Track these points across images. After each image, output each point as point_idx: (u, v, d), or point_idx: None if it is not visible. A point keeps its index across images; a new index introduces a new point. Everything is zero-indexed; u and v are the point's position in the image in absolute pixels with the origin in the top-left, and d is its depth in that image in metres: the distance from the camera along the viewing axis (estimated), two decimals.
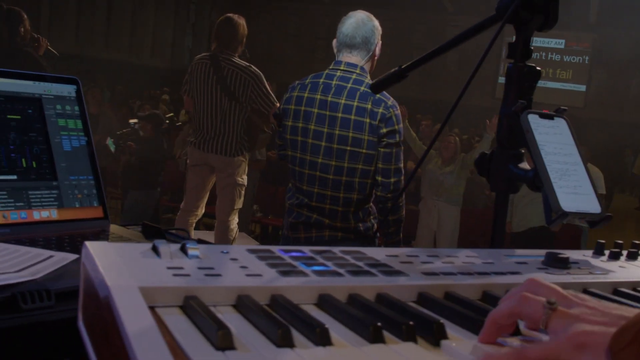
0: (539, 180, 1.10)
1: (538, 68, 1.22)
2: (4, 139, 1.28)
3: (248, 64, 5.22)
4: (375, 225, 3.20)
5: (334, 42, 3.21)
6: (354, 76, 3.09)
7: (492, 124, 7.12)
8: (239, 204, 5.46)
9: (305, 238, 3.15)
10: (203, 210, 5.60)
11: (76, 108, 1.41)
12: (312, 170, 3.12)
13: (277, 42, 22.78)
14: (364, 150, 3.04)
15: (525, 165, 1.20)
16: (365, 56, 3.14)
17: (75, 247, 1.19)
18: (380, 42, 3.20)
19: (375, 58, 3.23)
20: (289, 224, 3.23)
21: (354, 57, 3.13)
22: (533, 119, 1.13)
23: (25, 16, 5.17)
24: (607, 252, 1.08)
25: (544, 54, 21.94)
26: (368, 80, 3.10)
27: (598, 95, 21.83)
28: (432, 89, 19.40)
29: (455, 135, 7.71)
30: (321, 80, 3.12)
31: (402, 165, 3.15)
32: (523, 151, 1.22)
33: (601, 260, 1.04)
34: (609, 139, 18.55)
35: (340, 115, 3.04)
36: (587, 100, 22.16)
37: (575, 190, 1.08)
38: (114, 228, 1.41)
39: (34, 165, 1.31)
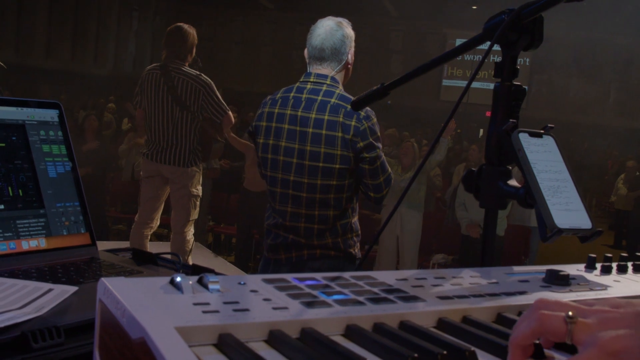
0: (530, 198, 1.13)
1: (524, 87, 1.26)
2: None
3: (198, 73, 5.19)
4: (358, 244, 3.09)
5: (305, 52, 3.07)
6: (324, 87, 2.94)
7: (449, 128, 7.24)
8: (195, 214, 5.42)
9: (286, 259, 3.01)
10: (158, 222, 5.54)
11: (59, 133, 1.38)
12: (285, 188, 2.96)
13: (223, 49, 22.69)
14: (337, 166, 2.88)
15: (513, 182, 1.23)
16: (336, 67, 3.00)
17: (70, 277, 1.17)
18: (352, 49, 3.05)
19: (350, 66, 3.08)
20: (268, 246, 3.08)
21: (324, 69, 3.00)
22: (524, 138, 1.16)
23: None
24: (598, 266, 1.11)
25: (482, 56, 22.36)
26: (340, 91, 2.95)
27: (539, 95, 22.38)
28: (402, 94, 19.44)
29: (412, 142, 7.80)
30: (291, 94, 2.98)
31: (389, 170, 3.03)
32: (510, 168, 1.25)
33: (595, 275, 1.08)
34: None
35: (311, 130, 2.88)
36: (528, 101, 22.69)
37: (567, 206, 1.11)
38: (102, 255, 1.39)
39: (21, 194, 1.28)
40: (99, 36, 21.46)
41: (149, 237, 5.51)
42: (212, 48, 21.95)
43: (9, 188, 1.26)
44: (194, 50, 5.33)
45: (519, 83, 1.25)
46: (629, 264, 1.15)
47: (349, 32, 3.03)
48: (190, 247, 5.45)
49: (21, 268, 1.18)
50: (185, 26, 5.27)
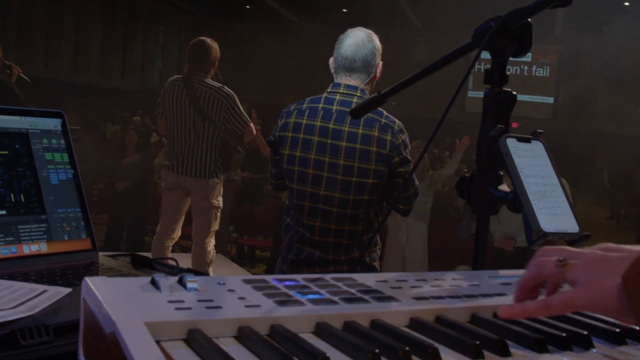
0: (518, 202, 1.14)
1: (514, 93, 1.27)
2: None
3: (221, 85, 5.25)
4: (379, 258, 3.02)
5: (331, 61, 2.97)
6: (355, 99, 2.84)
7: (462, 144, 7.23)
8: (215, 225, 5.46)
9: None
10: (179, 233, 5.59)
11: (62, 141, 1.43)
12: (314, 202, 2.85)
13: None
14: (370, 181, 2.80)
15: (504, 187, 1.24)
16: (365, 79, 2.90)
17: (67, 280, 1.21)
18: (381, 62, 2.96)
19: (375, 80, 3.00)
20: (289, 262, 2.96)
21: (353, 80, 2.90)
22: (511, 143, 1.17)
23: None
24: None
25: (510, 67, 22.26)
26: None
27: (566, 106, 22.19)
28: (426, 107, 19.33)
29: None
30: (320, 105, 2.87)
31: (417, 182, 2.99)
32: (502, 173, 1.26)
33: None
34: (578, 149, 18.84)
35: (344, 144, 2.79)
36: (555, 112, 22.52)
37: (554, 210, 1.12)
38: (102, 259, 1.43)
39: (23, 200, 1.32)
40: (126, 51, 21.77)
41: (170, 248, 5.56)
42: (238, 61, 22.12)
43: (11, 194, 1.31)
44: (217, 64, 5.39)
45: (509, 89, 1.26)
46: None
47: (379, 45, 2.95)
48: (211, 258, 5.49)
49: (21, 271, 1.22)
50: (208, 40, 5.34)
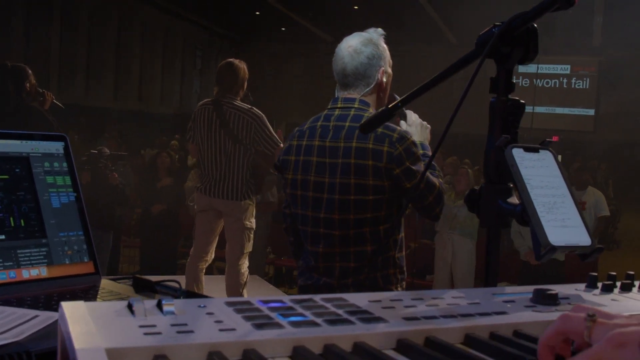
0: (526, 215, 1.09)
1: (522, 101, 1.22)
2: None
3: (250, 107, 5.26)
4: (403, 282, 2.77)
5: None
6: (352, 112, 2.65)
7: None
8: (249, 247, 5.44)
9: None
10: (213, 255, 5.59)
11: (64, 164, 1.42)
12: (315, 227, 2.69)
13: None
14: (370, 197, 2.59)
15: (514, 199, 1.19)
16: (364, 89, 2.69)
17: None
18: (385, 66, 2.71)
19: (384, 86, 2.75)
20: (299, 287, 2.85)
21: (351, 93, 2.71)
22: (517, 153, 1.12)
23: (30, 72, 5.26)
24: (600, 285, 1.05)
25: (549, 80, 21.98)
26: (369, 114, 2.61)
27: (608, 117, 21.78)
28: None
29: (467, 167, 7.68)
30: (319, 123, 2.71)
31: (437, 184, 2.67)
32: (511, 185, 1.21)
33: (593, 294, 1.02)
34: (621, 161, 18.46)
35: (340, 161, 2.60)
36: (596, 124, 22.11)
37: (564, 223, 1.06)
38: (105, 283, 1.40)
39: (22, 224, 1.31)
40: (164, 76, 22.08)
41: (204, 270, 5.56)
42: (274, 83, 22.28)
43: (11, 218, 1.29)
44: (245, 85, 5.40)
45: (516, 98, 1.21)
46: (636, 283, 1.08)
47: (377, 49, 2.70)
48: (245, 279, 5.47)
49: (19, 296, 1.21)
50: (236, 61, 5.36)
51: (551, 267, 6.67)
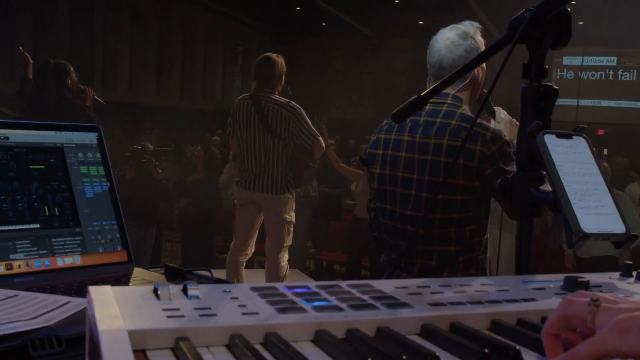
0: (559, 202, 1.07)
1: (555, 87, 1.19)
2: (27, 189, 1.31)
3: (288, 100, 5.27)
4: None
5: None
6: (444, 108, 2.54)
7: None
8: (289, 241, 5.46)
9: None
10: (253, 249, 5.63)
11: (98, 155, 1.44)
12: (402, 224, 2.61)
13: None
14: (459, 197, 2.48)
15: (547, 187, 1.17)
16: (459, 85, 2.57)
17: None
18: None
19: (479, 82, 2.65)
20: None
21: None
22: (549, 139, 1.10)
23: (72, 69, 5.36)
24: (634, 274, 1.03)
25: (594, 72, 21.57)
26: (462, 110, 2.53)
27: None
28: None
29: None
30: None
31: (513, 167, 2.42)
32: (544, 173, 1.19)
33: (627, 283, 1.00)
34: None
35: (429, 158, 2.51)
36: None
37: (597, 210, 1.04)
38: (138, 271, 1.43)
39: (57, 213, 1.34)
40: (206, 72, 22.26)
41: (244, 264, 5.60)
42: (315, 79, 22.26)
43: (46, 207, 1.32)
44: (283, 79, 5.41)
45: (550, 84, 1.19)
46: None
47: (475, 42, 2.59)
48: (284, 273, 5.49)
49: (53, 283, 1.23)
50: (273, 55, 5.37)
51: (605, 264, 6.54)
